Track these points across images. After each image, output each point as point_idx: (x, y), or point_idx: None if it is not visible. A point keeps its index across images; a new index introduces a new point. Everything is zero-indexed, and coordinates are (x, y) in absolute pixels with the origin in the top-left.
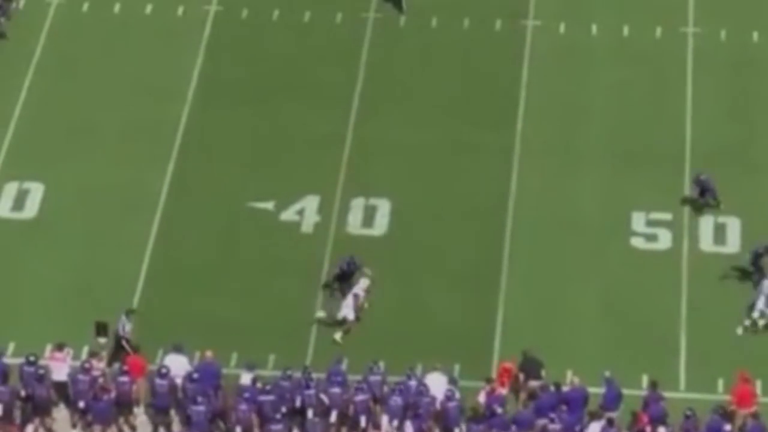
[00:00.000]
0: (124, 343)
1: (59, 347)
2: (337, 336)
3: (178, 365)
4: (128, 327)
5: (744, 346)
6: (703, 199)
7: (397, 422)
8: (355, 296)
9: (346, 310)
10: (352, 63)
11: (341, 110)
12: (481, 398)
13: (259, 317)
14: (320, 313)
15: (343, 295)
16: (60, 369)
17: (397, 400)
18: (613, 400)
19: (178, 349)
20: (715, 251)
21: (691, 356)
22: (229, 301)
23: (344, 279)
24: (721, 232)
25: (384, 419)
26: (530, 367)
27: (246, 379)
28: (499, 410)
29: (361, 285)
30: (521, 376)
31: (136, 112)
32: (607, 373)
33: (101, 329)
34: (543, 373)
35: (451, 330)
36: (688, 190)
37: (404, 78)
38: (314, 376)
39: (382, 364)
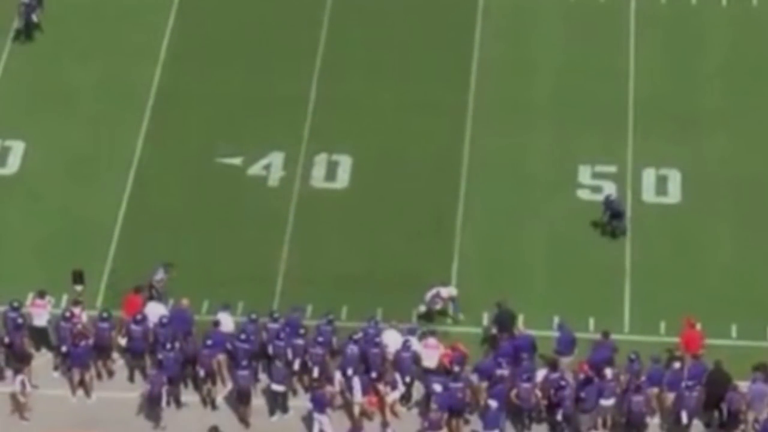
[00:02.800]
0: (153, 291)
1: (41, 295)
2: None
3: (154, 311)
4: (159, 276)
5: (685, 290)
6: (611, 224)
7: (351, 371)
8: (437, 295)
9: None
10: (315, 26)
11: (305, 71)
12: (445, 358)
13: (227, 266)
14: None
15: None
16: (40, 315)
17: (353, 349)
18: (567, 344)
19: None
20: (656, 202)
21: (635, 300)
22: (199, 251)
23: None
24: (662, 183)
25: (337, 374)
26: (504, 318)
27: (223, 317)
28: (456, 368)
29: (448, 290)
30: (494, 328)
31: (112, 72)
32: (558, 319)
33: (77, 277)
34: (519, 324)
35: (410, 277)
36: (631, 143)
37: (364, 40)
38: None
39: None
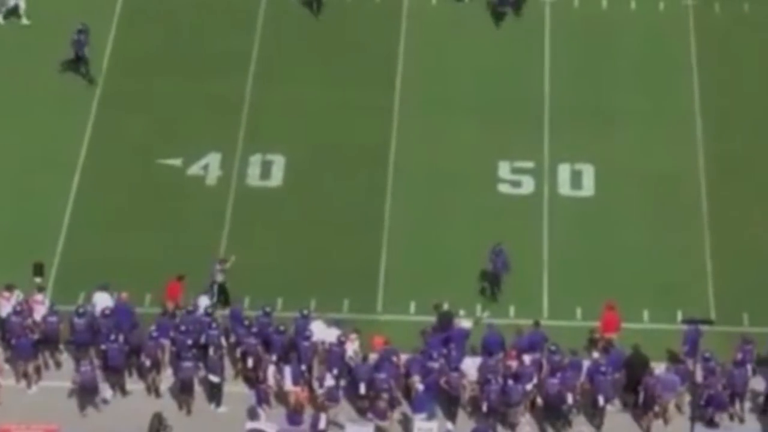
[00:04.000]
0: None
1: (8, 288)
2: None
3: (102, 302)
4: (220, 277)
5: (600, 277)
6: (497, 270)
7: (276, 357)
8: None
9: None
10: (249, 32)
11: (240, 75)
12: (377, 348)
13: (169, 261)
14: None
15: None
16: (3, 308)
17: (280, 339)
18: (495, 344)
19: (103, 287)
20: (572, 195)
21: (552, 289)
22: (142, 247)
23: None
24: (577, 177)
25: (270, 369)
26: (444, 320)
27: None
28: (385, 360)
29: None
30: (430, 331)
31: (57, 79)
32: (480, 311)
33: (38, 269)
34: (457, 319)
35: (340, 270)
36: (547, 140)
37: (296, 45)
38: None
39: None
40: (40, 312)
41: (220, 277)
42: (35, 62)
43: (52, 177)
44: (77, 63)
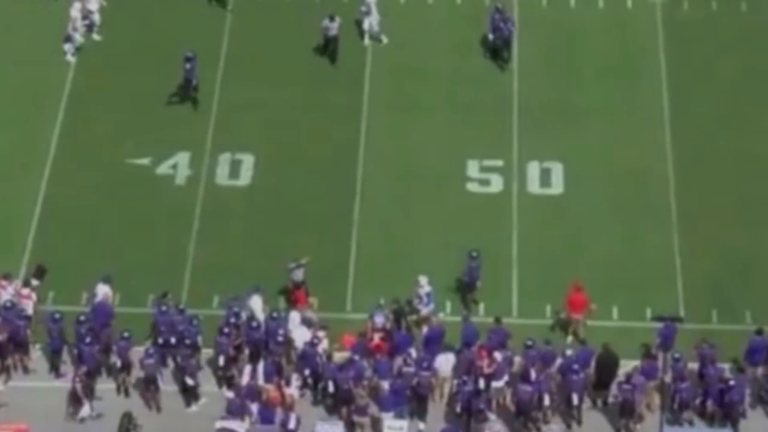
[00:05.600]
0: (302, 288)
1: (5, 276)
2: None
3: (103, 293)
4: (300, 274)
5: (568, 275)
6: (471, 281)
7: (248, 351)
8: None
9: None
10: (218, 30)
11: (209, 75)
12: (347, 345)
13: (138, 260)
14: None
15: None
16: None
17: (252, 336)
18: (472, 336)
19: (106, 279)
20: (541, 193)
21: (522, 286)
22: (111, 246)
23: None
24: (546, 175)
25: (246, 369)
26: (398, 316)
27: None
28: (357, 357)
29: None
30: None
31: (26, 78)
32: (451, 308)
33: (40, 272)
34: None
35: (310, 268)
36: (516, 139)
37: (264, 45)
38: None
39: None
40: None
41: (299, 276)
42: (4, 59)
43: (21, 177)
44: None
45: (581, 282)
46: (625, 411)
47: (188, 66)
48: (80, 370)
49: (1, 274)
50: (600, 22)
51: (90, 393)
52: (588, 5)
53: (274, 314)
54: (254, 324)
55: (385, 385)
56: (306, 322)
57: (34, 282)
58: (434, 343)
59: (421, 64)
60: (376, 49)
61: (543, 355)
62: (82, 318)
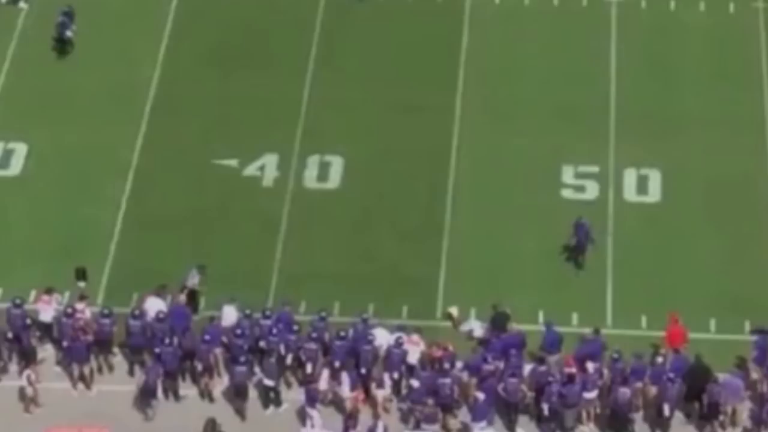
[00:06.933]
0: (186, 293)
1: (48, 291)
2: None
3: (155, 307)
4: (196, 279)
5: (665, 286)
6: (580, 244)
7: (338, 365)
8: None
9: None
10: (307, 30)
11: (298, 75)
12: (436, 353)
13: (224, 264)
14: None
15: None
16: (46, 311)
17: (341, 345)
18: (553, 343)
19: (157, 293)
20: (638, 201)
21: (617, 296)
22: (197, 250)
23: None
24: (643, 183)
25: (324, 372)
26: (499, 320)
27: (228, 311)
28: (447, 365)
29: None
30: (488, 327)
31: (111, 77)
32: (542, 314)
33: (81, 274)
34: (512, 324)
35: (400, 275)
36: (612, 144)
37: (355, 44)
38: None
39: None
40: (48, 312)
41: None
42: (89, 59)
43: (104, 178)
44: (60, 47)
45: (677, 312)
46: (712, 412)
47: (61, 19)
48: (155, 368)
49: (44, 289)
50: (701, 26)
51: (174, 394)
52: (688, 8)
53: (365, 317)
54: (341, 333)
55: (479, 394)
56: (396, 329)
57: (81, 284)
58: (519, 349)
59: (516, 65)
60: (470, 50)
61: (634, 369)
62: (161, 315)
